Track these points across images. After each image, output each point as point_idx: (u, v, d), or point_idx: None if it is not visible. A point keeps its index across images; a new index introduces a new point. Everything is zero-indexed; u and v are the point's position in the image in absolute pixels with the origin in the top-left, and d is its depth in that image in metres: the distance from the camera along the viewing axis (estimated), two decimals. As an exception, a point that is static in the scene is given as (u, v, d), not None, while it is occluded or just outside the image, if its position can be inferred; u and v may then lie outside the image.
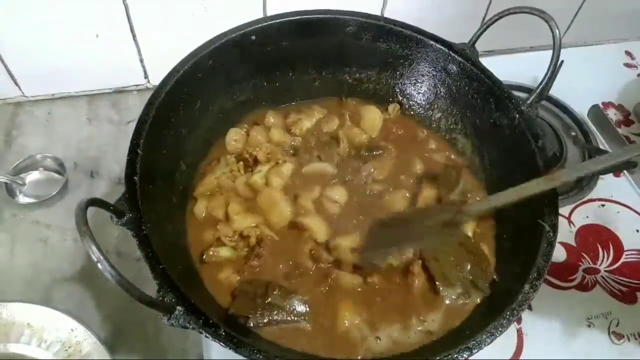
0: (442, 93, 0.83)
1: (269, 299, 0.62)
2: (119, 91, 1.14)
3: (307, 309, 0.64)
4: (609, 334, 0.80)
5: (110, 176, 1.01)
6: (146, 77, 1.13)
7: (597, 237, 0.90)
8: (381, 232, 0.72)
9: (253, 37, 0.77)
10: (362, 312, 0.65)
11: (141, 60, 1.09)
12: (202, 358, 0.82)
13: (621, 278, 0.86)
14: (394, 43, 0.82)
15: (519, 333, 0.79)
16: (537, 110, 0.72)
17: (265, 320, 0.61)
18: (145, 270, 0.87)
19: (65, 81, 1.09)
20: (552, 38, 0.70)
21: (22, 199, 0.95)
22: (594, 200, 0.95)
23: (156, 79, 1.14)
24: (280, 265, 0.68)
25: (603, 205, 0.94)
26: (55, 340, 0.78)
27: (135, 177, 0.59)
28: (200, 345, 0.83)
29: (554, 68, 0.71)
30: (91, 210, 0.93)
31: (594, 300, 0.83)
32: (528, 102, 0.73)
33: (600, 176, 0.95)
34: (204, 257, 0.67)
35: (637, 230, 0.91)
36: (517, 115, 0.72)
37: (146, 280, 0.87)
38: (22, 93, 1.08)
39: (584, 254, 0.88)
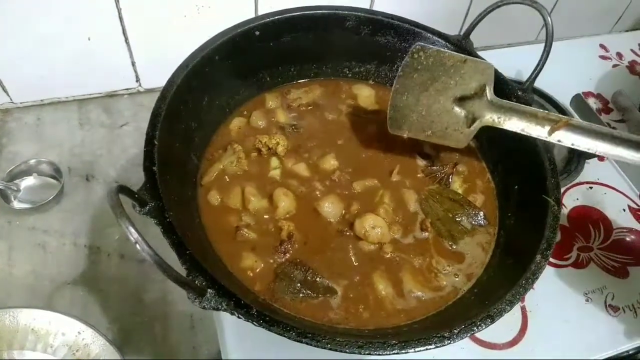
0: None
1: (309, 285, 0.65)
2: (110, 95, 1.14)
3: (340, 292, 0.67)
4: (605, 307, 0.84)
5: (107, 180, 1.00)
6: (137, 80, 1.13)
7: (587, 217, 0.95)
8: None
9: (257, 33, 0.79)
10: (393, 278, 0.69)
11: (133, 64, 1.09)
12: (213, 357, 0.82)
13: (613, 254, 0.90)
14: (392, 36, 0.85)
15: (523, 310, 0.82)
16: (532, 95, 0.77)
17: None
18: (150, 271, 0.89)
19: (55, 86, 1.08)
20: (545, 26, 0.74)
21: (17, 205, 0.93)
22: (582, 183, 0.99)
23: (148, 82, 1.14)
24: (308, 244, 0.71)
25: (591, 188, 0.99)
26: (62, 344, 0.77)
27: (154, 168, 0.60)
28: (210, 342, 0.83)
29: (547, 54, 0.76)
30: (92, 214, 0.94)
31: (590, 277, 0.87)
32: (524, 87, 0.77)
33: (586, 160, 1.00)
34: (237, 237, 0.69)
35: (624, 210, 0.96)
36: (514, 100, 0.75)
37: (150, 281, 0.88)
38: (10, 99, 1.06)
39: (577, 234, 0.92)
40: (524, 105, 0.72)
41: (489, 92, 0.73)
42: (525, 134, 0.71)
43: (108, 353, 0.76)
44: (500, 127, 0.73)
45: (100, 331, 0.76)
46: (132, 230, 0.44)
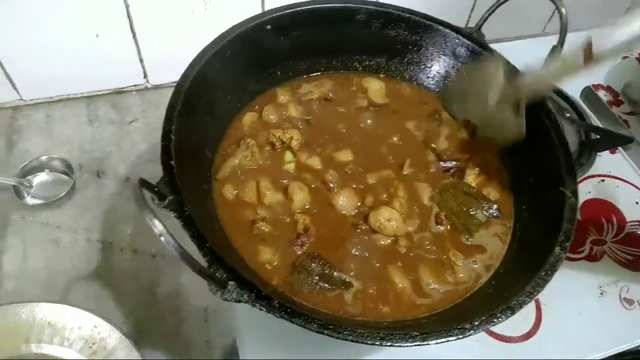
0: (451, 76, 0.87)
1: (327, 278, 0.65)
2: (118, 92, 1.14)
3: (356, 285, 0.67)
4: (620, 300, 0.84)
5: (117, 176, 1.00)
6: (145, 77, 1.13)
7: (600, 210, 0.94)
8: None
9: (268, 27, 0.79)
10: (410, 271, 0.69)
11: (141, 60, 1.09)
12: (227, 351, 0.82)
13: (626, 247, 0.90)
14: (403, 29, 0.85)
15: (537, 304, 0.82)
16: (546, 87, 0.76)
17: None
18: (162, 265, 0.89)
19: (64, 83, 1.08)
20: (559, 17, 0.75)
21: (30, 201, 0.93)
22: (594, 176, 0.99)
23: (155, 79, 1.14)
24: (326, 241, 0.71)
25: (603, 181, 0.99)
26: (78, 337, 0.77)
27: (171, 162, 0.59)
28: (223, 336, 0.83)
29: (561, 45, 0.75)
30: (103, 210, 0.94)
31: (604, 270, 0.87)
32: (537, 79, 0.77)
33: (598, 153, 1.00)
34: (253, 230, 0.69)
35: (637, 202, 0.96)
36: (528, 94, 0.75)
37: (163, 275, 0.88)
38: (20, 97, 1.06)
39: (589, 227, 0.92)
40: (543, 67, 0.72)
41: (511, 74, 0.76)
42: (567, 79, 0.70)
43: (124, 346, 0.76)
44: (542, 94, 0.74)
45: (116, 325, 0.77)
46: (157, 222, 0.44)
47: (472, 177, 0.79)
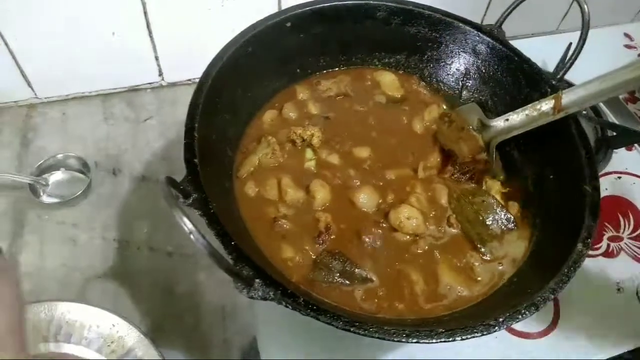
0: (471, 73, 0.86)
1: (347, 275, 0.66)
2: (133, 90, 1.14)
3: (377, 282, 0.67)
4: (638, 296, 0.84)
5: (133, 174, 1.01)
6: (160, 74, 1.13)
7: (617, 207, 0.94)
8: None
9: (288, 24, 0.78)
10: (429, 270, 0.69)
11: (156, 58, 1.09)
12: (245, 350, 0.83)
13: (643, 244, 0.90)
14: (423, 27, 0.85)
15: (555, 300, 0.82)
16: (566, 85, 0.76)
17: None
18: (179, 264, 0.89)
19: (79, 81, 1.08)
20: (581, 14, 0.74)
21: (46, 199, 0.94)
22: (611, 173, 0.99)
23: (171, 76, 1.14)
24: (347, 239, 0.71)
25: (619, 178, 0.99)
26: (96, 336, 0.77)
27: (195, 160, 0.59)
28: (241, 334, 0.84)
29: (583, 42, 0.75)
30: (119, 208, 0.94)
31: (621, 266, 0.87)
32: (558, 76, 0.77)
33: (614, 150, 0.99)
34: (274, 228, 0.69)
35: (653, 199, 0.96)
36: (548, 90, 0.75)
37: (180, 274, 0.88)
38: (35, 95, 1.07)
39: (606, 224, 0.92)
40: (514, 111, 0.75)
41: (485, 120, 0.78)
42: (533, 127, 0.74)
43: (142, 345, 0.76)
44: (510, 135, 0.76)
45: (134, 323, 0.77)
46: (186, 220, 0.44)
47: (495, 187, 0.78)
